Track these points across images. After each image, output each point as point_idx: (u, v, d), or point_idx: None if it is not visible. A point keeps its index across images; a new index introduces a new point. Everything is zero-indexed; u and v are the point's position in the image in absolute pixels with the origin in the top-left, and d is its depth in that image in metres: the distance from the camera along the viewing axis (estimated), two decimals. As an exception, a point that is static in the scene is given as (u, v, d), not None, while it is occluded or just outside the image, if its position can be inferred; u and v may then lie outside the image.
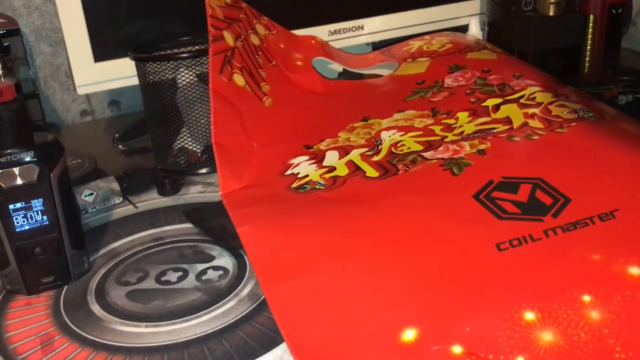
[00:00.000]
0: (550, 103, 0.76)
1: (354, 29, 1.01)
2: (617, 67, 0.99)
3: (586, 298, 0.46)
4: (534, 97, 0.78)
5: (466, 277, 0.51)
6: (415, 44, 1.00)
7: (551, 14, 0.95)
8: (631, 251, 0.50)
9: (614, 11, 0.96)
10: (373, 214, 0.61)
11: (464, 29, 1.08)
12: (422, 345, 0.45)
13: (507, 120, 0.74)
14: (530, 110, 0.75)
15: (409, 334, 0.46)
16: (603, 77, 0.98)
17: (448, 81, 0.86)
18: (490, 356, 0.43)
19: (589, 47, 0.98)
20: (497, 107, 0.77)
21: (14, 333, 0.53)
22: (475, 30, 1.07)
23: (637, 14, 1.08)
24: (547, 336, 0.44)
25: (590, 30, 0.97)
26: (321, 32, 0.98)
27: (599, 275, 0.49)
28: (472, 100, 0.80)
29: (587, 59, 0.99)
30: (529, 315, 0.45)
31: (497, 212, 0.57)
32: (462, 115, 0.77)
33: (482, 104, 0.79)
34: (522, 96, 0.79)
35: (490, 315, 0.46)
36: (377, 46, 1.09)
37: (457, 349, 0.44)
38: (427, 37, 1.02)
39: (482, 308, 0.47)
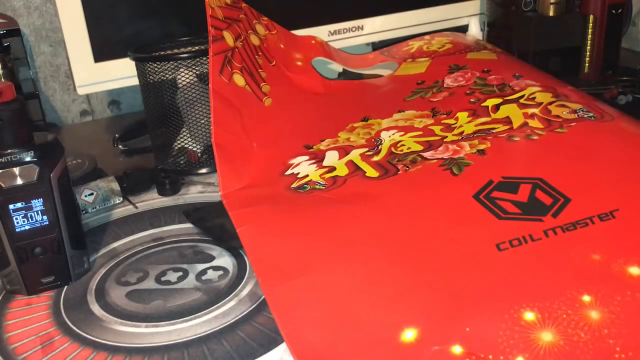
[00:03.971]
0: (550, 103, 0.76)
1: (354, 29, 1.01)
2: (617, 67, 0.99)
3: (586, 298, 0.46)
4: (534, 97, 0.78)
5: (466, 277, 0.51)
6: (415, 44, 1.00)
7: (551, 14, 0.96)
8: (631, 251, 0.50)
9: (614, 11, 0.96)
10: (373, 214, 0.61)
11: (464, 29, 1.08)
12: (422, 346, 0.45)
13: (507, 120, 0.73)
14: (530, 110, 0.74)
15: (409, 334, 0.46)
16: (603, 77, 0.98)
17: (448, 81, 0.86)
18: (490, 356, 0.43)
19: (589, 47, 0.98)
20: (496, 107, 0.77)
21: (14, 333, 0.53)
22: (475, 30, 1.07)
23: (637, 14, 1.08)
24: (547, 336, 0.44)
25: (590, 30, 0.97)
26: (321, 32, 0.98)
27: (599, 275, 0.49)
28: (472, 100, 0.80)
29: (587, 59, 0.99)
30: (529, 315, 0.45)
31: (497, 212, 0.57)
32: (462, 116, 0.77)
33: (482, 104, 0.79)
34: (522, 96, 0.79)
35: (490, 316, 0.46)
36: (377, 46, 1.09)
37: (457, 349, 0.44)
38: (427, 37, 1.02)
39: (482, 308, 0.47)
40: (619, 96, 0.90)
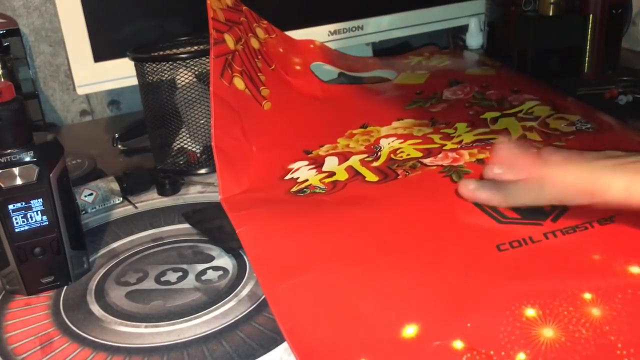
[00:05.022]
0: (549, 116, 0.77)
1: (353, 29, 1.01)
2: (617, 67, 0.99)
3: (587, 295, 0.46)
4: (532, 112, 0.79)
5: (466, 274, 0.51)
6: (414, 59, 1.02)
7: (551, 14, 0.96)
8: (631, 251, 0.50)
9: (614, 11, 0.96)
10: (373, 214, 0.61)
11: (464, 29, 1.09)
12: (423, 341, 0.45)
13: (506, 132, 0.74)
14: (529, 124, 0.76)
15: (410, 330, 0.46)
16: (603, 77, 0.98)
17: (447, 94, 0.87)
18: (492, 352, 0.43)
19: (589, 47, 0.98)
20: (495, 120, 0.79)
21: (13, 333, 0.53)
22: (475, 31, 1.07)
23: (637, 14, 1.08)
24: (548, 332, 0.44)
25: (590, 30, 0.97)
26: (321, 32, 0.98)
27: (600, 273, 0.49)
28: (470, 112, 0.81)
29: (587, 59, 0.99)
30: (530, 312, 0.45)
31: (496, 217, 0.58)
32: (461, 126, 0.78)
33: (481, 117, 0.80)
34: (521, 110, 0.79)
35: (492, 311, 0.46)
36: (377, 47, 1.09)
37: (458, 345, 0.44)
38: (426, 53, 1.03)
39: (483, 304, 0.47)
40: (619, 96, 0.90)
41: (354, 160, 0.72)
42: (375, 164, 0.71)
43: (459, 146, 0.72)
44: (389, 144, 0.76)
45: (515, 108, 0.80)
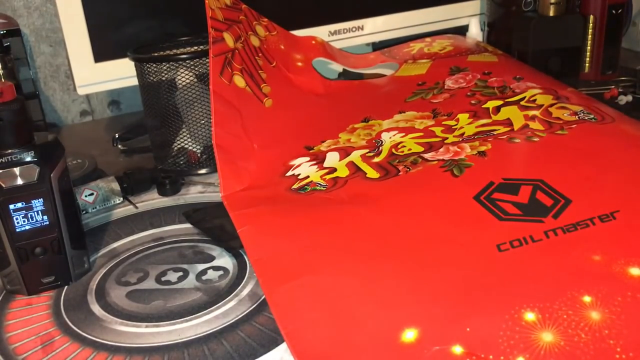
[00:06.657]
0: (551, 105, 0.76)
1: (354, 29, 1.01)
2: (617, 67, 0.99)
3: (587, 299, 0.46)
4: (535, 100, 0.78)
5: (466, 278, 0.51)
6: (416, 46, 1.00)
7: (551, 14, 0.96)
8: (631, 252, 0.50)
9: (614, 11, 0.96)
10: (373, 215, 0.61)
11: (464, 29, 1.09)
12: (422, 346, 0.45)
13: (508, 122, 0.74)
14: (531, 112, 0.75)
15: (410, 334, 0.46)
16: (603, 77, 0.98)
17: (449, 83, 0.86)
18: (491, 356, 0.43)
19: (589, 47, 0.98)
20: (497, 109, 0.77)
21: (14, 333, 0.53)
22: (475, 31, 1.07)
23: (637, 14, 1.08)
24: (547, 337, 0.44)
25: (590, 30, 0.97)
26: (321, 32, 0.98)
27: (600, 275, 0.49)
28: (472, 102, 0.80)
29: (587, 59, 0.99)
30: (530, 316, 0.45)
31: (497, 213, 0.57)
32: (463, 117, 0.77)
33: (483, 106, 0.79)
34: (523, 98, 0.79)
35: (491, 316, 0.46)
36: (377, 47, 1.09)
37: (457, 349, 0.44)
38: (428, 39, 1.02)
39: (482, 308, 0.47)
40: (619, 96, 0.90)
41: (355, 156, 0.72)
42: (376, 159, 0.71)
43: (461, 139, 0.72)
44: (390, 138, 0.75)
45: (518, 96, 0.80)
